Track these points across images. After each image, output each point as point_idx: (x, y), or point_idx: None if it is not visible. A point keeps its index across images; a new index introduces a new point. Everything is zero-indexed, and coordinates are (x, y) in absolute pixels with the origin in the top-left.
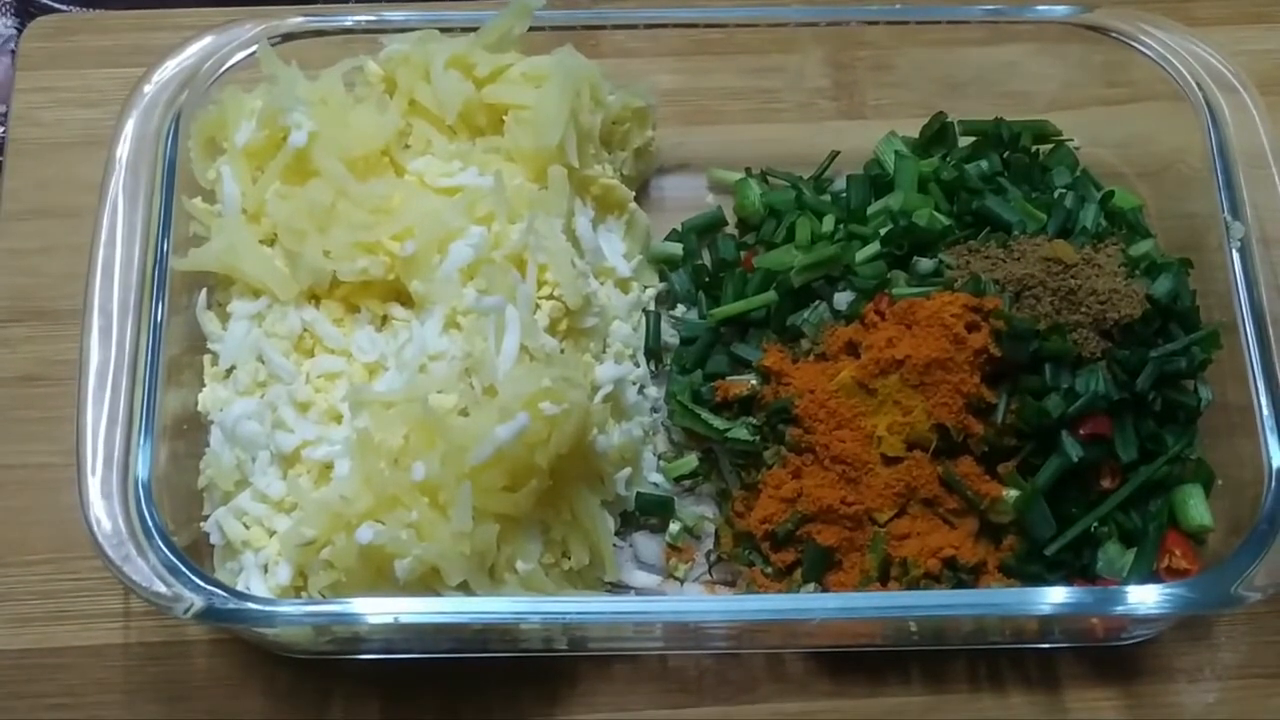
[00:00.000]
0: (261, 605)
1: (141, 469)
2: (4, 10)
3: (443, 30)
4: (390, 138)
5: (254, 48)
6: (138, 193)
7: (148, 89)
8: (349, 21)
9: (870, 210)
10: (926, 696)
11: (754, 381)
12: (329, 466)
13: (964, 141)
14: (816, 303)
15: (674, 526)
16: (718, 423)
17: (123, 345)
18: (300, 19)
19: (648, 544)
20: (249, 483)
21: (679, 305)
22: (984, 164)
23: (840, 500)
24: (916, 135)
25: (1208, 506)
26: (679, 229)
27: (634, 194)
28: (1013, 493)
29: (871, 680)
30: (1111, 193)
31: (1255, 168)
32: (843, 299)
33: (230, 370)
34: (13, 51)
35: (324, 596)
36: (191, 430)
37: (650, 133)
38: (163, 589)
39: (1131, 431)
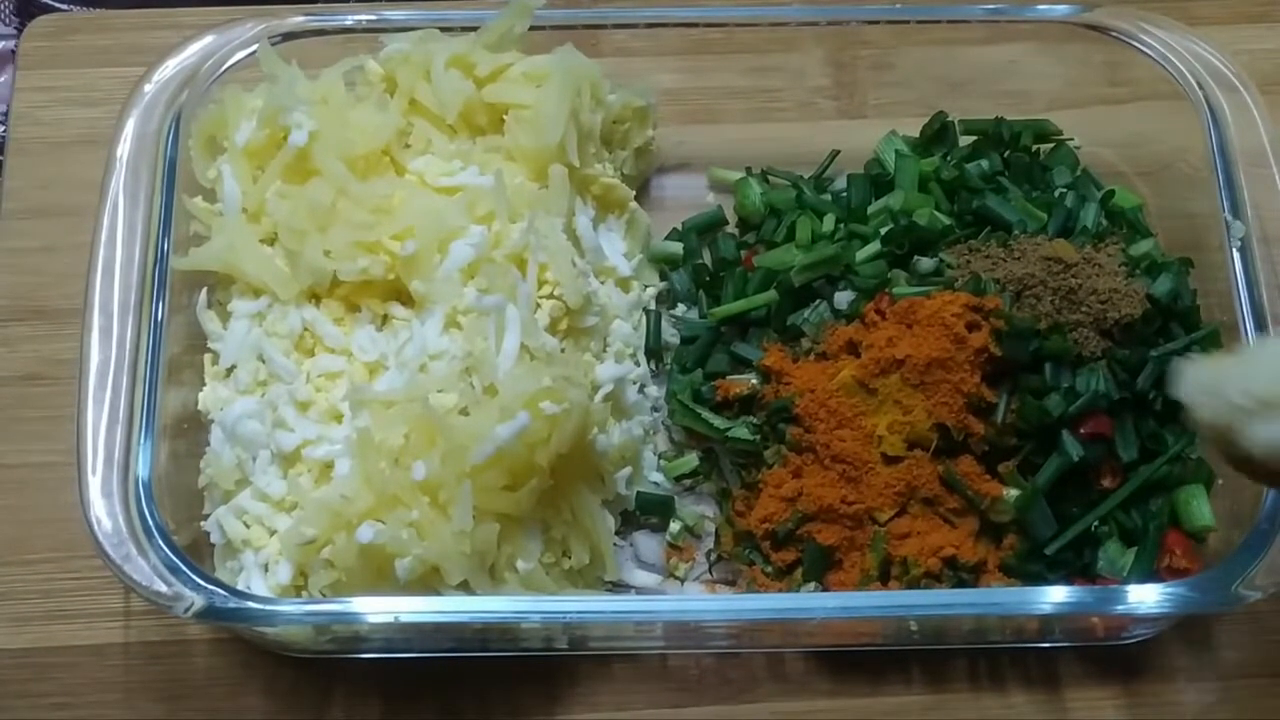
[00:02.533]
0: (262, 604)
1: (142, 468)
2: (4, 10)
3: (443, 29)
4: (391, 137)
5: (254, 47)
6: (138, 192)
7: (148, 88)
8: (349, 21)
9: (871, 209)
10: (927, 696)
11: (754, 381)
12: (329, 466)
13: (964, 141)
14: (817, 302)
15: (674, 526)
16: (718, 422)
17: (123, 344)
18: (300, 18)
19: (648, 543)
20: (249, 482)
21: (679, 304)
22: (984, 163)
23: (840, 499)
24: (917, 135)
25: (1210, 506)
26: (679, 228)
27: (634, 193)
28: (1013, 492)
29: (872, 680)
30: (1112, 192)
31: (1256, 167)
32: (843, 298)
33: (231, 369)
34: (13, 51)
35: (324, 596)
36: (192, 429)
37: (650, 132)
38: (163, 588)
39: (1132, 431)
